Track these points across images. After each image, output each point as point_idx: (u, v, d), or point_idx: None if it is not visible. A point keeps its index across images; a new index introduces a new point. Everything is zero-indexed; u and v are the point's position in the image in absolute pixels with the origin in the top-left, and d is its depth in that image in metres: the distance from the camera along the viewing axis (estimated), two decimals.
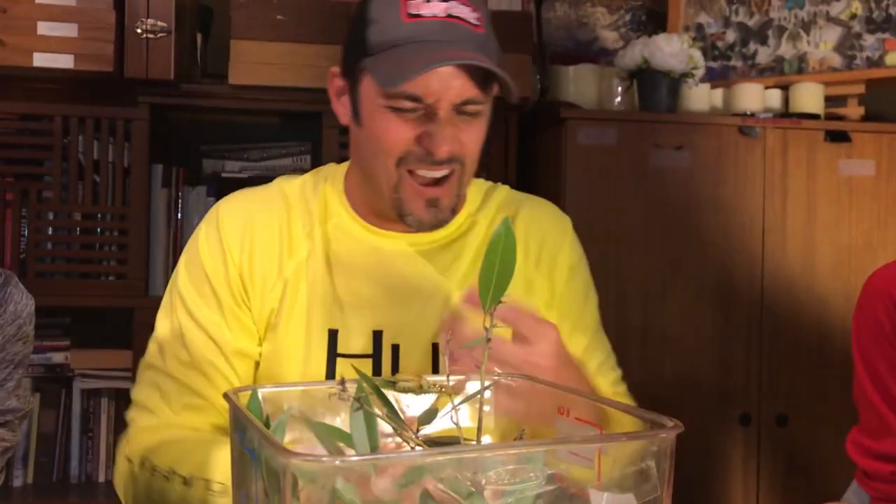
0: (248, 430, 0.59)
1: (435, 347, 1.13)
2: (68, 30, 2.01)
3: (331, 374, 1.10)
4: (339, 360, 1.11)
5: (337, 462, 0.49)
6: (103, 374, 2.25)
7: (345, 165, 1.21)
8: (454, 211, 1.11)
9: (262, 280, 1.12)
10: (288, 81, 2.13)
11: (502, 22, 2.25)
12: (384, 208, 1.12)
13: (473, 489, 0.60)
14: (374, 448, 0.63)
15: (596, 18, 2.83)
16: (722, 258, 2.24)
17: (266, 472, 0.54)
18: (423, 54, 0.99)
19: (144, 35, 2.06)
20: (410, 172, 1.06)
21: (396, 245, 1.15)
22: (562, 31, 2.80)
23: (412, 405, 0.73)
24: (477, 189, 1.24)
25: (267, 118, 2.47)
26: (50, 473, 2.24)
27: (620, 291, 2.20)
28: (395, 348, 1.12)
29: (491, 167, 2.30)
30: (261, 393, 0.67)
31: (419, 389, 0.73)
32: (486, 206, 1.22)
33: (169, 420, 1.10)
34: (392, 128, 1.04)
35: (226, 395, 0.65)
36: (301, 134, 2.41)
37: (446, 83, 1.02)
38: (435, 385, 0.72)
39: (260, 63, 2.12)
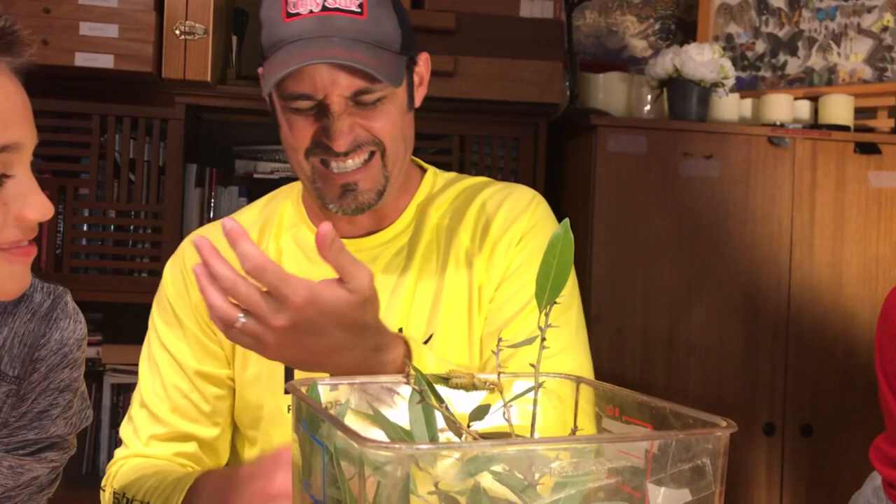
0: (314, 420, 0.61)
1: None
2: (109, 30, 2.04)
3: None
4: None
5: (411, 449, 0.51)
6: (134, 369, 2.23)
7: None
8: (381, 193, 1.10)
9: None
10: None
11: (534, 28, 2.30)
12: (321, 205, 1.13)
13: (527, 483, 0.61)
14: (433, 440, 0.64)
15: (625, 27, 2.84)
16: (749, 268, 2.25)
17: (336, 460, 0.56)
18: (291, 56, 1.01)
19: (182, 36, 2.10)
20: (324, 163, 1.07)
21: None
22: (591, 39, 2.82)
23: (459, 402, 0.75)
24: (437, 179, 1.22)
25: None
26: (79, 466, 2.27)
27: (647, 299, 2.21)
28: None
29: (520, 173, 2.32)
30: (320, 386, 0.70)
31: (471, 387, 0.75)
32: (440, 195, 1.20)
33: (138, 451, 1.16)
34: (293, 126, 1.07)
35: (290, 386, 0.67)
36: None
37: (331, 79, 1.02)
38: (486, 382, 0.74)
39: None
